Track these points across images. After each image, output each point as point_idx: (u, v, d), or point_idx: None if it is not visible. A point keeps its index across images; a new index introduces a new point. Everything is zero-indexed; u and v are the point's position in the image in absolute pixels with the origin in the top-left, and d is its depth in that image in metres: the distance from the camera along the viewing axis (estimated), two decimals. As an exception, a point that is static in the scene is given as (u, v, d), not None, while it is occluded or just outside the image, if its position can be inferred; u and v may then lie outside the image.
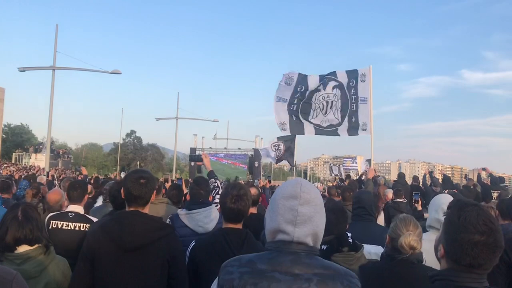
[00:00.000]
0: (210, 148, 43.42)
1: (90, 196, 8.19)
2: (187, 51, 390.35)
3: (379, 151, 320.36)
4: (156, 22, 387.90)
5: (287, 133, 8.70)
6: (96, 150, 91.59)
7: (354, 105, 7.85)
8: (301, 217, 1.62)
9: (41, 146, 55.48)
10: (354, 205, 4.52)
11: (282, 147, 15.71)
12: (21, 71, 23.86)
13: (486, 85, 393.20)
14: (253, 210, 4.88)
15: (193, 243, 2.94)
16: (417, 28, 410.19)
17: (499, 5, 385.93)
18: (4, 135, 64.22)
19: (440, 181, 14.44)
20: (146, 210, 2.79)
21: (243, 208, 2.90)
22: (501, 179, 14.27)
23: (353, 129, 7.92)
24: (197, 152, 40.62)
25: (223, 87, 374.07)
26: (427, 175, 15.21)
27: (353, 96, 7.86)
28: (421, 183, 14.23)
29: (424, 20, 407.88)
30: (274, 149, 15.92)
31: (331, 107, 7.92)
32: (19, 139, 70.38)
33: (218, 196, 4.38)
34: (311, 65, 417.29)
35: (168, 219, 3.96)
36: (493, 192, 11.74)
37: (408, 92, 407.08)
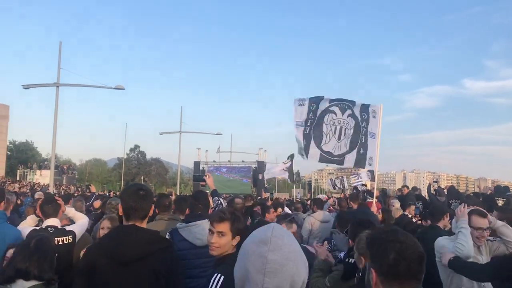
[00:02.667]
0: (214, 161, 43.41)
1: (98, 211, 8.23)
2: (190, 65, 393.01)
3: (384, 161, 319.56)
4: (159, 36, 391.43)
5: (305, 158, 8.68)
6: (100, 165, 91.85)
7: (363, 137, 7.90)
8: (271, 265, 1.39)
9: (46, 163, 55.58)
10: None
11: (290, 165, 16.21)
12: (25, 88, 24.01)
13: (488, 94, 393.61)
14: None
15: (221, 278, 2.70)
16: (417, 38, 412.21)
17: (499, 13, 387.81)
18: (8, 152, 64.54)
19: (445, 191, 14.37)
20: (144, 224, 2.79)
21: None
22: (506, 189, 14.16)
23: (360, 161, 7.95)
24: (201, 166, 40.63)
25: (226, 100, 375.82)
26: (432, 184, 15.16)
27: (364, 129, 7.91)
28: (424, 191, 14.19)
29: (424, 30, 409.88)
30: (286, 169, 16.46)
31: (344, 135, 7.95)
32: (24, 156, 70.67)
33: None
34: (314, 76, 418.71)
35: (168, 234, 3.98)
36: (498, 200, 11.64)
37: (410, 102, 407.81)
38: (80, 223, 4.54)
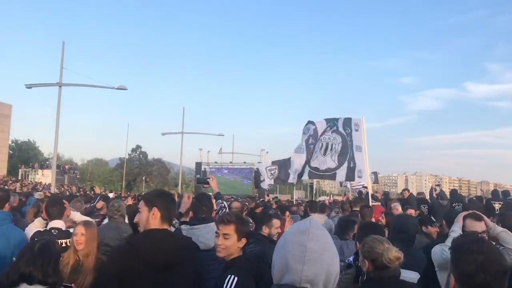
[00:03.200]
0: (216, 162, 43.36)
1: (102, 213, 8.20)
2: (193, 65, 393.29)
3: (386, 164, 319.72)
4: (161, 37, 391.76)
5: (294, 181, 8.83)
6: (102, 165, 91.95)
7: (351, 151, 8.00)
8: (310, 254, 1.44)
9: (47, 162, 55.67)
10: (396, 228, 4.50)
11: (276, 172, 15.31)
12: (28, 87, 24.08)
13: (490, 97, 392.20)
14: None
15: (235, 279, 2.81)
16: (420, 41, 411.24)
17: (502, 17, 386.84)
18: (10, 151, 64.68)
19: (448, 194, 14.37)
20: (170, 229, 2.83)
21: None
22: (506, 193, 14.11)
23: (350, 175, 8.05)
24: (203, 167, 40.58)
25: (229, 101, 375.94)
26: (434, 188, 15.14)
27: (349, 143, 8.02)
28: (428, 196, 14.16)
29: (427, 33, 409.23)
30: (269, 175, 15.61)
31: (330, 150, 8.07)
32: (26, 155, 70.79)
33: None
34: (316, 78, 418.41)
35: None
36: (494, 203, 11.69)
37: (413, 104, 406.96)
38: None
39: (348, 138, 7.99)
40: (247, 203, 10.18)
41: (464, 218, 3.94)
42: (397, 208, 9.54)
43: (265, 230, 4.30)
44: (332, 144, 8.06)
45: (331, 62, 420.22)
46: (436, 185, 16.30)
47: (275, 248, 1.61)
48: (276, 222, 4.39)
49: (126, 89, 25.26)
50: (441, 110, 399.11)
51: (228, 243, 2.91)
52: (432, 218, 7.01)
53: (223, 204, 4.57)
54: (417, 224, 4.80)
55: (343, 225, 5.50)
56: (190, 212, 4.34)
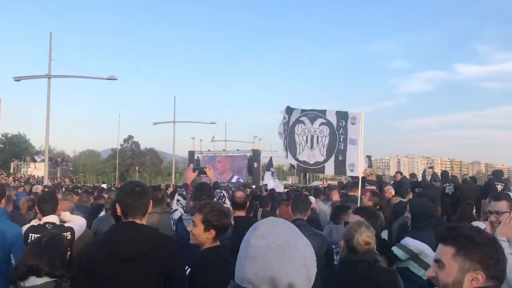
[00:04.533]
0: (209, 150, 43.38)
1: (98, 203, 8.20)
2: (183, 54, 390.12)
3: (378, 147, 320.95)
4: (150, 26, 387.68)
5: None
6: (94, 156, 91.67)
7: (342, 144, 8.00)
8: (252, 250, 1.33)
9: (39, 155, 55.37)
10: (420, 215, 4.43)
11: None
12: (16, 80, 23.87)
13: (480, 78, 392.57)
14: (241, 213, 4.90)
15: (188, 270, 2.94)
16: (409, 23, 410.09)
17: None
18: (1, 145, 64.18)
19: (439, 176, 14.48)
20: (144, 221, 2.79)
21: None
22: (499, 173, 14.25)
23: (341, 168, 8.08)
24: (196, 155, 40.58)
25: (220, 89, 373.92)
26: (427, 171, 15.24)
27: (341, 136, 8.02)
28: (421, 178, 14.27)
29: (415, 15, 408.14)
30: (272, 176, 16.07)
31: (317, 143, 8.10)
32: (17, 149, 70.37)
33: (224, 206, 4.42)
34: (307, 62, 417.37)
35: (174, 221, 4.10)
36: (497, 184, 11.71)
37: (403, 87, 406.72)
38: (79, 222, 4.52)
39: (339, 131, 8.01)
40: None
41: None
42: (390, 192, 9.64)
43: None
44: (318, 137, 8.09)
45: (322, 47, 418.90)
46: (429, 168, 16.44)
47: None
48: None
49: (116, 79, 25.15)
50: (431, 92, 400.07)
51: (195, 231, 2.99)
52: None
53: (222, 194, 4.55)
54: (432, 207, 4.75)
55: (336, 210, 5.54)
56: (191, 201, 4.36)
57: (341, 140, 8.01)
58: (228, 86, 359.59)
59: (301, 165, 8.11)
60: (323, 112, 8.18)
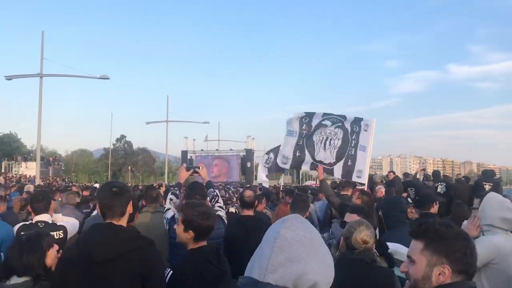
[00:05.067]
0: (202, 150, 43.30)
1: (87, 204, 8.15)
2: (176, 53, 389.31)
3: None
4: (143, 25, 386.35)
5: (286, 167, 8.73)
6: (86, 156, 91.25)
7: (353, 150, 7.98)
8: (280, 240, 1.32)
9: (31, 155, 54.98)
10: (391, 210, 4.51)
11: (272, 158, 14.99)
12: (8, 79, 23.70)
13: (473, 79, 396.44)
14: (249, 212, 4.88)
15: (170, 272, 2.91)
16: (402, 24, 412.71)
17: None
18: (-8, 144, 63.73)
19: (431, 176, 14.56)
20: (123, 222, 2.72)
21: (213, 224, 3.10)
22: (492, 173, 14.34)
23: (348, 173, 8.06)
24: (189, 155, 40.47)
25: (213, 88, 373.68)
26: (419, 173, 15.32)
27: (353, 141, 8.00)
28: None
29: (409, 15, 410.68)
30: (265, 166, 15.22)
31: (329, 144, 8.08)
32: (8, 148, 69.85)
33: (217, 205, 4.39)
34: (301, 62, 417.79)
35: (166, 220, 4.06)
36: (485, 184, 11.84)
37: (396, 87, 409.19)
38: (72, 222, 4.51)
39: (352, 136, 8.00)
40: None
41: None
42: (381, 191, 9.67)
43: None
44: (331, 139, 8.07)
45: (317, 47, 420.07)
46: (421, 170, 16.52)
47: None
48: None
49: (108, 79, 25.03)
50: (424, 92, 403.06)
51: (177, 231, 3.01)
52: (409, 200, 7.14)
53: (215, 193, 4.53)
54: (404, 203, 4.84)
55: (341, 208, 5.56)
56: (183, 201, 4.33)
57: (353, 145, 7.99)
58: (221, 86, 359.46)
59: (316, 163, 8.08)
60: (343, 117, 8.20)
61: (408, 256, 1.72)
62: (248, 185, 20.53)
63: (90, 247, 2.53)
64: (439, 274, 1.61)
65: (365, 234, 2.96)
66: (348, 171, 8.00)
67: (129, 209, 2.74)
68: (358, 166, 7.94)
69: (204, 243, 3.00)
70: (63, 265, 2.58)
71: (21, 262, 2.80)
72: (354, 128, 8.00)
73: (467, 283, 1.63)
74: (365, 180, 7.92)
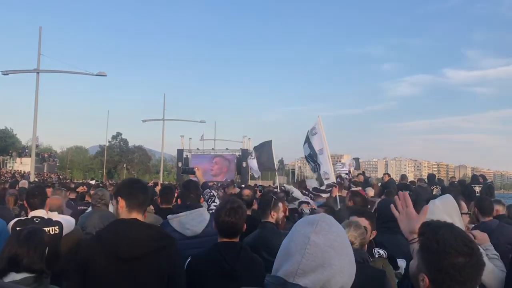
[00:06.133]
0: (198, 149, 43.23)
1: (83, 201, 8.17)
2: (173, 52, 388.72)
3: (366, 149, 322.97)
4: (141, 23, 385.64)
5: (329, 181, 8.76)
6: (82, 153, 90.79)
7: (317, 159, 8.27)
8: (311, 247, 1.30)
9: (26, 150, 54.76)
10: (383, 217, 4.43)
11: (255, 158, 14.72)
12: (4, 74, 23.60)
13: (468, 83, 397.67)
14: (247, 211, 4.91)
15: (189, 259, 2.94)
16: (399, 28, 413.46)
17: (480, 4, 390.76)
18: (-13, 140, 63.45)
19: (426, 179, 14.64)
20: (149, 218, 2.73)
21: (238, 221, 2.96)
22: (483, 177, 14.45)
23: (321, 181, 8.34)
24: (184, 154, 40.41)
25: (210, 87, 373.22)
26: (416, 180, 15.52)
27: (313, 154, 8.38)
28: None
29: (405, 20, 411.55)
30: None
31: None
32: (3, 144, 69.52)
33: (213, 205, 4.40)
34: (297, 64, 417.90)
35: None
36: (475, 187, 12.05)
37: (392, 91, 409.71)
38: (68, 219, 4.50)
39: (313, 151, 8.28)
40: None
41: None
42: (369, 194, 9.72)
43: (273, 216, 4.30)
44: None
45: (313, 50, 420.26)
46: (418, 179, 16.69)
47: (286, 236, 1.48)
48: (282, 206, 4.45)
49: (105, 76, 25.01)
50: (420, 96, 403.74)
51: None
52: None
53: (211, 193, 4.56)
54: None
55: None
56: (178, 200, 4.34)
57: (315, 158, 8.21)
58: (218, 85, 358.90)
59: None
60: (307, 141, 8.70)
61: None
62: (243, 185, 20.52)
63: (117, 245, 2.46)
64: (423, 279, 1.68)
65: (350, 235, 2.98)
66: (321, 179, 8.21)
67: (151, 207, 2.74)
68: (323, 169, 8.04)
69: (225, 239, 2.98)
70: (85, 262, 2.48)
71: (23, 258, 2.71)
72: (308, 144, 8.43)
73: None
74: (333, 178, 7.96)
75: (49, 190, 6.33)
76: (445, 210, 3.03)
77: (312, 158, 8.50)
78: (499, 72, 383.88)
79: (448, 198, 3.19)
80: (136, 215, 2.62)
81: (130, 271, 2.46)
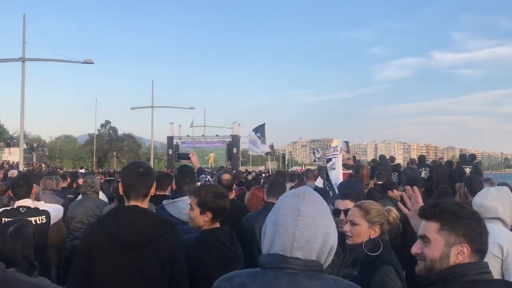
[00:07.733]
0: (188, 136, 43.13)
1: (71, 189, 8.11)
2: (161, 38, 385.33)
3: (356, 133, 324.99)
4: (128, 10, 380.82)
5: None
6: (71, 142, 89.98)
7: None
8: (303, 218, 1.35)
9: (14, 141, 54.17)
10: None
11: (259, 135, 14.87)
12: (-12, 64, 23.22)
13: (456, 66, 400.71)
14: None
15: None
16: (388, 11, 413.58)
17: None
18: (-26, 130, 62.66)
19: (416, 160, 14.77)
20: (146, 204, 2.67)
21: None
22: (472, 157, 14.59)
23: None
24: (174, 141, 40.28)
25: (199, 74, 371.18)
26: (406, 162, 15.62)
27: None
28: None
29: (394, 3, 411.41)
30: (261, 142, 15.11)
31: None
32: (-10, 134, 68.74)
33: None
34: (286, 49, 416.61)
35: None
36: (465, 168, 12.13)
37: (381, 74, 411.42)
38: (56, 208, 4.45)
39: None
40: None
41: None
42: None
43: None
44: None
45: (302, 34, 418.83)
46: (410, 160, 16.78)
47: (269, 213, 1.51)
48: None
49: (92, 63, 24.74)
50: (408, 79, 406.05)
51: (191, 214, 2.93)
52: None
53: (207, 178, 4.55)
54: None
55: None
56: (173, 185, 4.31)
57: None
58: (207, 72, 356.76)
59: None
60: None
61: (422, 237, 1.72)
62: (234, 171, 20.58)
63: (119, 232, 2.47)
64: (458, 253, 1.64)
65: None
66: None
67: (152, 191, 2.70)
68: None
69: (218, 224, 2.95)
70: (88, 250, 2.48)
71: (10, 256, 2.65)
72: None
73: (482, 263, 1.67)
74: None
75: (49, 181, 6.26)
76: (499, 199, 3.14)
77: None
78: (486, 54, 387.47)
79: (504, 189, 3.31)
80: (134, 201, 2.61)
81: (132, 258, 2.47)
